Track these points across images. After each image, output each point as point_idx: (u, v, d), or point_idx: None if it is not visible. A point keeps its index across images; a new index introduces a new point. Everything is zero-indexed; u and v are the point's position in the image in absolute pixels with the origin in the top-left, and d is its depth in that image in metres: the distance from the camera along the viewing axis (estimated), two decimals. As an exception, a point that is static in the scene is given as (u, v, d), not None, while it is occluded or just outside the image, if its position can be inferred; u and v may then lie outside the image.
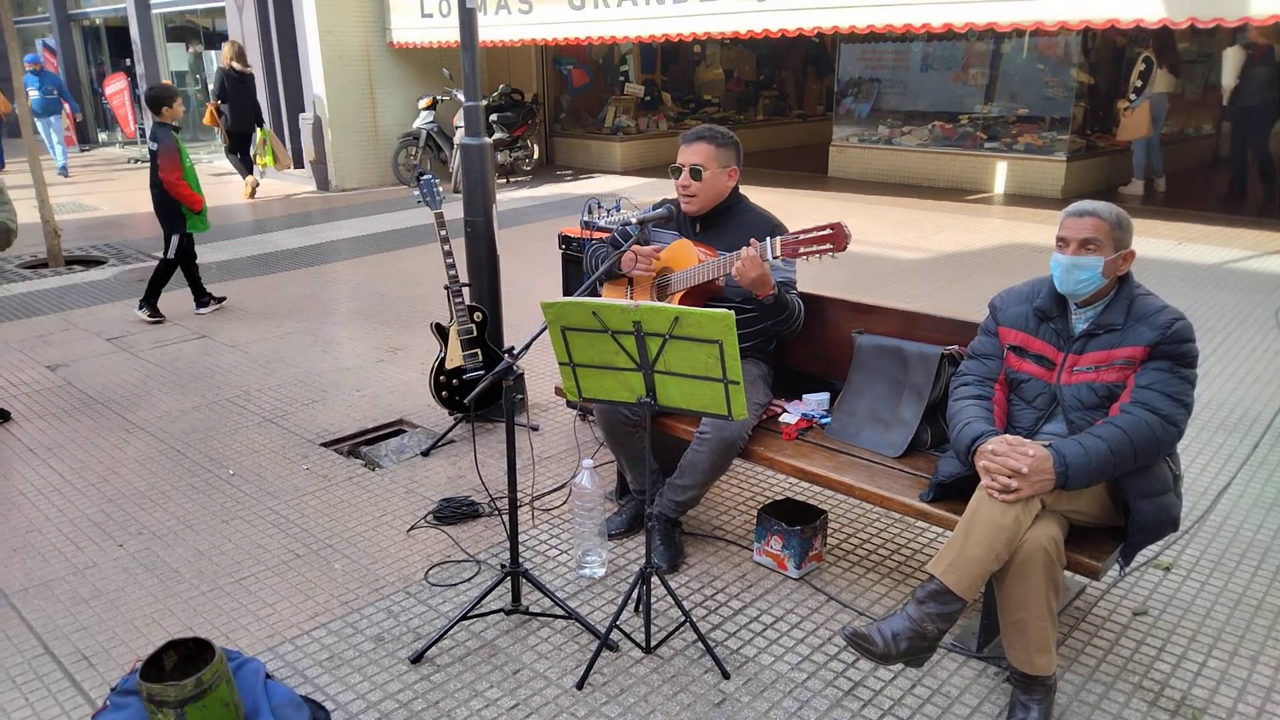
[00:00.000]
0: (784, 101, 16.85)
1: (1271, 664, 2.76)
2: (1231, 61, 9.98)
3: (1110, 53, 11.34)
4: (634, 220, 3.16)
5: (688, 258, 3.24)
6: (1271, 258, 7.52)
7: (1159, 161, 10.51)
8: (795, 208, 9.44)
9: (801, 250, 2.90)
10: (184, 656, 2.36)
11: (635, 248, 3.23)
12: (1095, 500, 2.51)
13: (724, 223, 3.30)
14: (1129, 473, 2.45)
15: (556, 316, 2.55)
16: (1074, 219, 2.56)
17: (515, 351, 2.70)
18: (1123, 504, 2.52)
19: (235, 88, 11.05)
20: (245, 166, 11.65)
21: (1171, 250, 7.54)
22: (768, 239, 2.95)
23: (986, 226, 9.07)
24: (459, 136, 11.67)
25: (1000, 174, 10.95)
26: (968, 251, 8.07)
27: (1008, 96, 11.23)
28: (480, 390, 2.71)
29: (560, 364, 2.65)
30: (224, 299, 6.76)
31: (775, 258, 2.94)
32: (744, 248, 2.97)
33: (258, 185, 11.79)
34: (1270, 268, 7.23)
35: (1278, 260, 7.45)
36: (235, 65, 10.98)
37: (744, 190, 3.39)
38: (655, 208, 3.36)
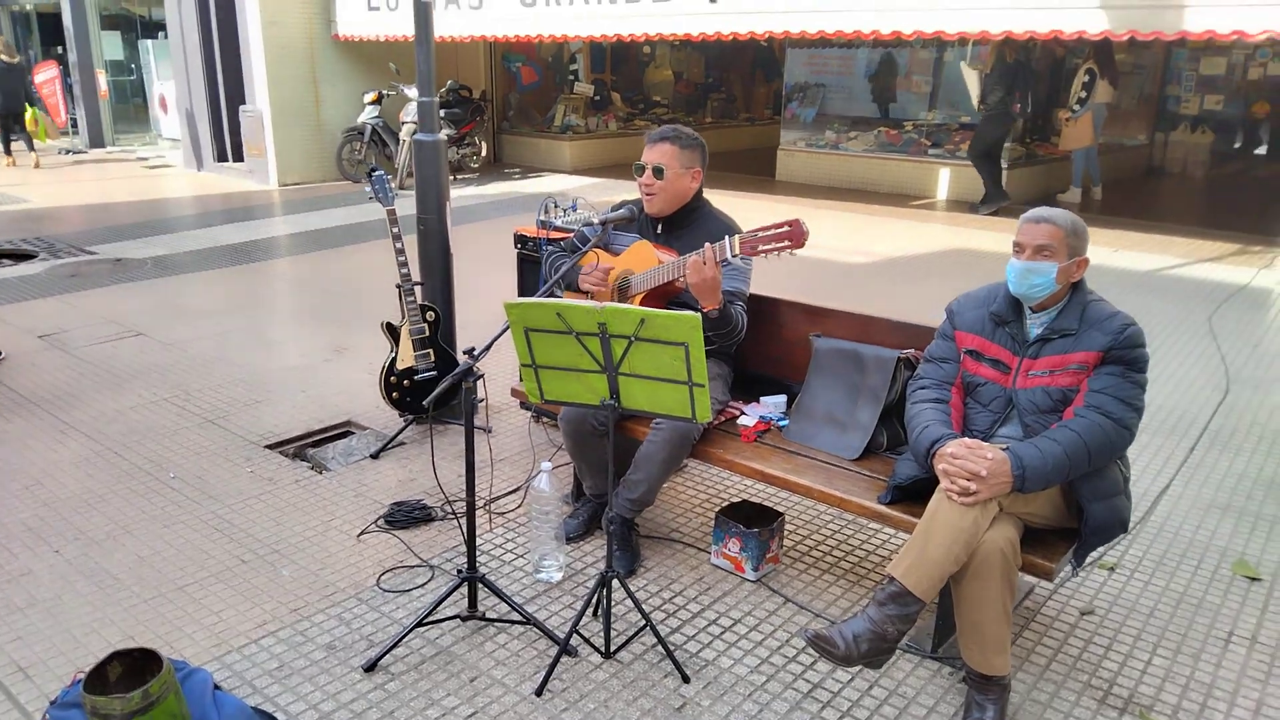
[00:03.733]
0: (732, 104, 16.96)
1: (1212, 661, 2.83)
2: (971, 80, 10.34)
3: (1049, 63, 11.62)
4: (596, 221, 3.14)
5: (647, 259, 3.22)
6: (1204, 265, 7.77)
7: (1097, 170, 10.80)
8: (744, 210, 9.43)
9: (760, 248, 2.90)
10: (129, 668, 2.27)
11: (592, 258, 3.21)
12: (1049, 503, 2.55)
13: (685, 225, 3.29)
14: (1082, 475, 2.50)
15: (520, 317, 2.51)
16: (1030, 225, 2.60)
17: (476, 353, 2.65)
18: (1075, 506, 2.56)
19: (3, 76, 12.67)
20: (27, 143, 13.20)
21: (1107, 257, 7.74)
22: (726, 238, 2.95)
23: (931, 232, 9.22)
24: (405, 132, 11.62)
25: (943, 180, 11.15)
26: (913, 256, 8.19)
27: (949, 104, 11.45)
28: (439, 392, 2.66)
29: (522, 365, 2.62)
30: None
31: (734, 255, 2.94)
32: (696, 254, 2.95)
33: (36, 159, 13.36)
34: (1203, 275, 7.47)
35: (1210, 268, 7.70)
36: (3, 57, 12.57)
37: (694, 191, 3.38)
38: (616, 208, 3.34)
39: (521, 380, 2.71)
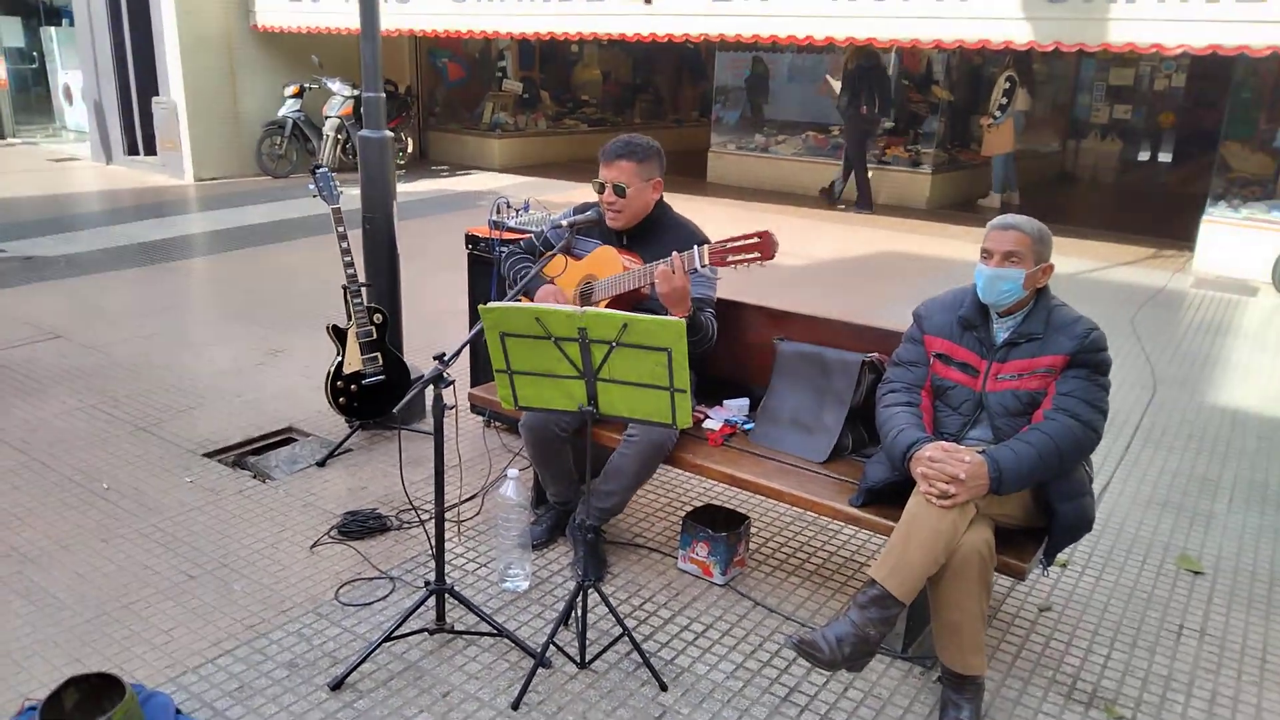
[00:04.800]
0: (659, 106, 17.01)
1: (1167, 654, 2.93)
2: (834, 87, 11.09)
3: (967, 71, 11.96)
4: (564, 224, 3.08)
5: (612, 265, 3.18)
6: (1122, 268, 8.10)
7: (1014, 176, 11.15)
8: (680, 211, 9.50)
9: (730, 259, 2.89)
10: (85, 694, 2.14)
11: (559, 263, 3.16)
12: (1021, 504, 2.60)
13: (650, 233, 3.25)
14: (1052, 477, 2.55)
15: (496, 322, 2.45)
16: (998, 232, 2.65)
17: (447, 358, 2.58)
18: (1044, 506, 2.62)
19: None
20: None
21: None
22: (694, 248, 2.93)
23: (860, 234, 9.39)
24: (329, 126, 11.33)
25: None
26: (844, 259, 8.33)
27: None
28: (409, 399, 2.57)
29: (497, 371, 2.55)
30: None
31: (704, 266, 2.92)
32: (664, 263, 2.92)
33: None
34: (1121, 278, 7.78)
35: (1128, 271, 8.03)
36: None
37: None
38: (579, 210, 3.29)
39: (492, 385, 2.64)
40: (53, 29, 15.01)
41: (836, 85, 10.87)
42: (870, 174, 10.80)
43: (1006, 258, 2.61)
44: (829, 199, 11.05)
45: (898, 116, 11.41)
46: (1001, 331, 2.70)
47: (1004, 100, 10.48)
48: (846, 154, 10.97)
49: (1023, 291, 2.63)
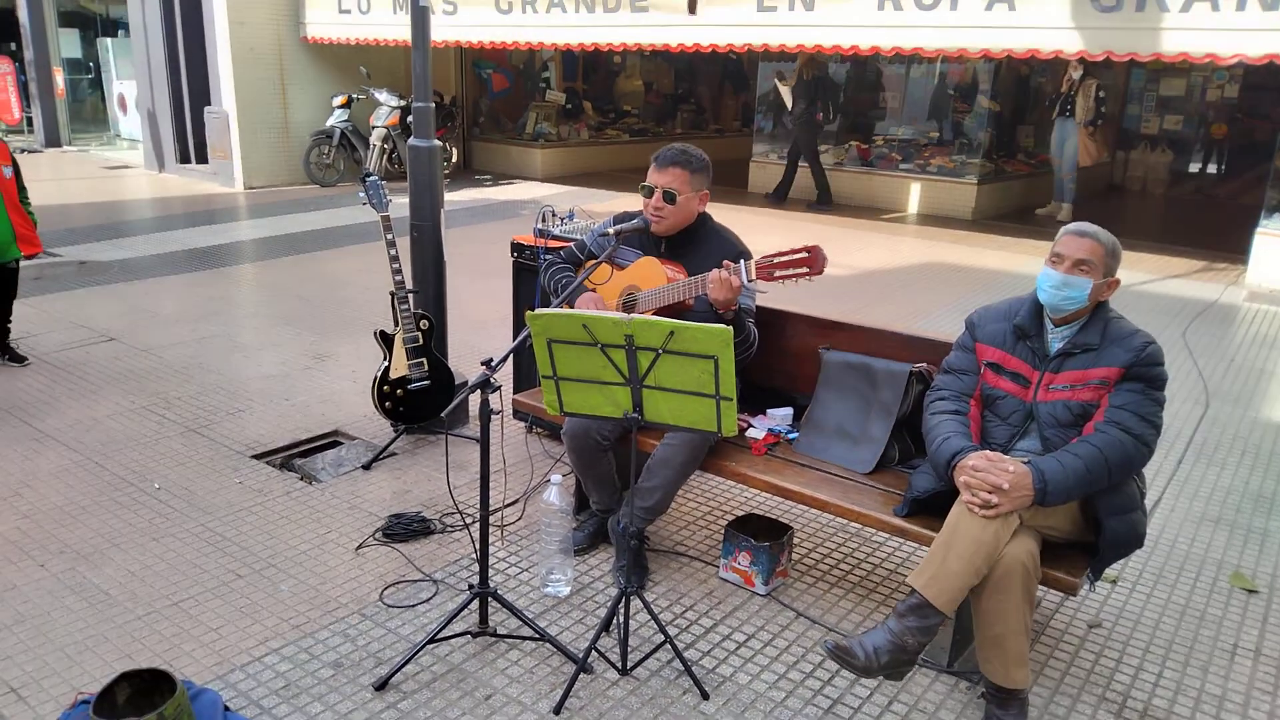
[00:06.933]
0: (701, 116, 17.03)
1: (1221, 674, 2.86)
2: (784, 93, 11.39)
3: (1014, 81, 11.81)
4: (609, 231, 3.09)
5: (655, 276, 3.18)
6: (1173, 281, 7.94)
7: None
8: (722, 222, 9.49)
9: (777, 274, 2.89)
10: (137, 689, 2.18)
11: (605, 271, 3.18)
12: (1068, 517, 2.56)
13: (691, 243, 3.24)
14: (1101, 490, 2.50)
15: (543, 328, 2.46)
16: (1073, 238, 2.60)
17: (494, 364, 2.60)
18: (1093, 520, 2.57)
19: None
20: None
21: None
22: (742, 262, 2.93)
23: (904, 245, 9.31)
24: (376, 136, 11.49)
25: (914, 195, 11.28)
26: (888, 269, 8.26)
27: (918, 120, 11.60)
28: (457, 404, 2.60)
29: (543, 377, 2.57)
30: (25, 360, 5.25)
31: (751, 281, 2.92)
32: (717, 270, 2.92)
33: None
34: (1173, 290, 7.63)
35: (1179, 284, 7.87)
36: None
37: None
38: (620, 218, 3.29)
39: (535, 391, 2.66)
40: (109, 40, 15.41)
41: (786, 92, 11.23)
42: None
43: (1077, 265, 2.56)
44: (777, 200, 11.59)
45: (943, 126, 11.33)
46: (1056, 341, 2.66)
47: (1103, 109, 10.50)
48: (790, 157, 11.48)
49: (1085, 302, 2.58)
